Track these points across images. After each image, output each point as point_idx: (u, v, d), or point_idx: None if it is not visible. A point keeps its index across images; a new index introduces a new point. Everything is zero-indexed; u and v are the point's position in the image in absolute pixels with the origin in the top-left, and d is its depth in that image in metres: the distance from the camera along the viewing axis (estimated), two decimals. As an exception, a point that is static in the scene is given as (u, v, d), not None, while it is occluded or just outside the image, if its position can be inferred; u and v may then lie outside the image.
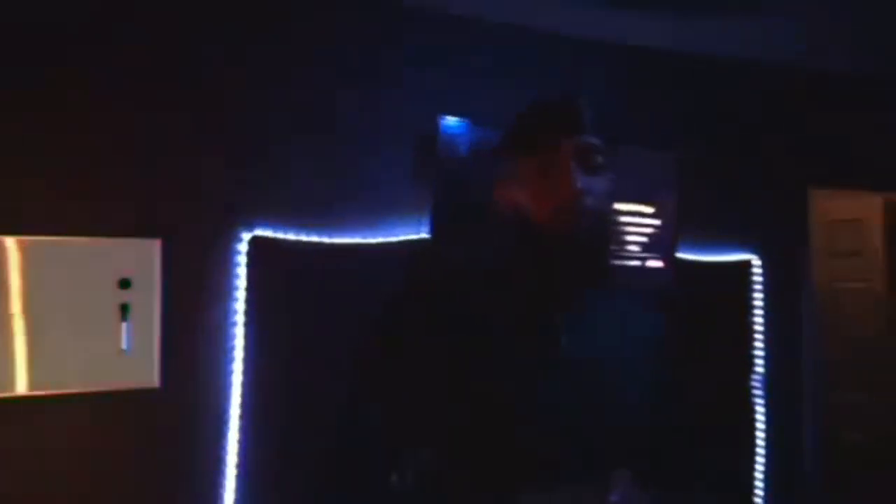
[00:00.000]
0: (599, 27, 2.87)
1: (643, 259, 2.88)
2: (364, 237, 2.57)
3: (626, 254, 2.85)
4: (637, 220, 2.86)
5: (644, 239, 2.87)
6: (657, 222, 2.89)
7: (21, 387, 2.15)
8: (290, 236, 2.48)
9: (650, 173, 2.90)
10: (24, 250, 2.17)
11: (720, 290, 3.22)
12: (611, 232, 1.16)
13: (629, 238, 2.85)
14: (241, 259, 2.43)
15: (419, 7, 2.67)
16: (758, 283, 3.31)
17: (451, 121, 2.52)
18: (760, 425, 3.27)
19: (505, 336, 1.10)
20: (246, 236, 2.43)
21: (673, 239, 2.95)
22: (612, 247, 1.18)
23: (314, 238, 2.51)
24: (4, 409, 2.13)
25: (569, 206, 1.08)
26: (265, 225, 2.46)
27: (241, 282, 2.42)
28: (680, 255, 3.02)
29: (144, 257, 2.31)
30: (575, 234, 1.09)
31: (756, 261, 3.31)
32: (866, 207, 3.91)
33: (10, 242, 2.15)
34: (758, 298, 3.31)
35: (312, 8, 2.57)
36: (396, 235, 2.61)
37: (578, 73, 2.98)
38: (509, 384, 1.07)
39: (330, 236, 2.53)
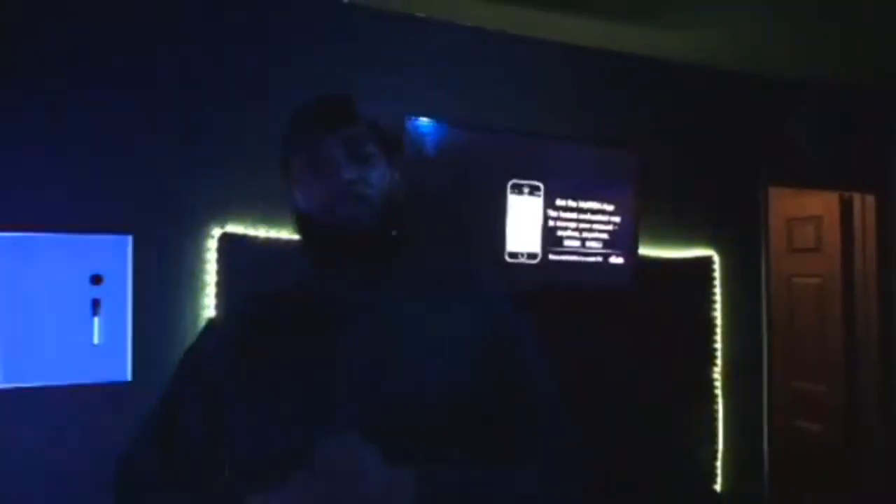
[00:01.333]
0: (561, 29, 2.96)
1: (604, 256, 2.97)
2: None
3: (588, 250, 2.94)
4: (598, 218, 2.95)
5: (605, 236, 2.96)
6: (618, 220, 2.98)
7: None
8: (260, 233, 2.54)
9: (611, 172, 2.99)
10: (4, 246, 2.21)
11: (682, 285, 3.33)
12: (401, 218, 1.13)
13: (590, 235, 2.94)
14: (211, 255, 2.48)
15: (385, 10, 2.74)
16: (717, 278, 3.42)
17: (417, 119, 2.58)
18: (720, 417, 3.38)
19: (295, 343, 1.06)
20: (216, 232, 2.49)
21: (633, 236, 3.04)
22: (403, 233, 1.15)
23: (283, 234, 2.56)
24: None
25: (339, 195, 1.05)
26: (234, 221, 2.51)
27: (211, 277, 2.48)
28: (641, 251, 3.12)
29: (116, 253, 2.36)
30: (355, 224, 1.05)
31: (716, 257, 3.42)
32: (824, 205, 4.04)
33: (-18, 239, 2.20)
34: (717, 293, 3.42)
35: (286, 10, 2.62)
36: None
37: (542, 74, 3.07)
38: (296, 392, 1.03)
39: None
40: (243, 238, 2.52)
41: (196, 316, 2.46)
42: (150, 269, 2.40)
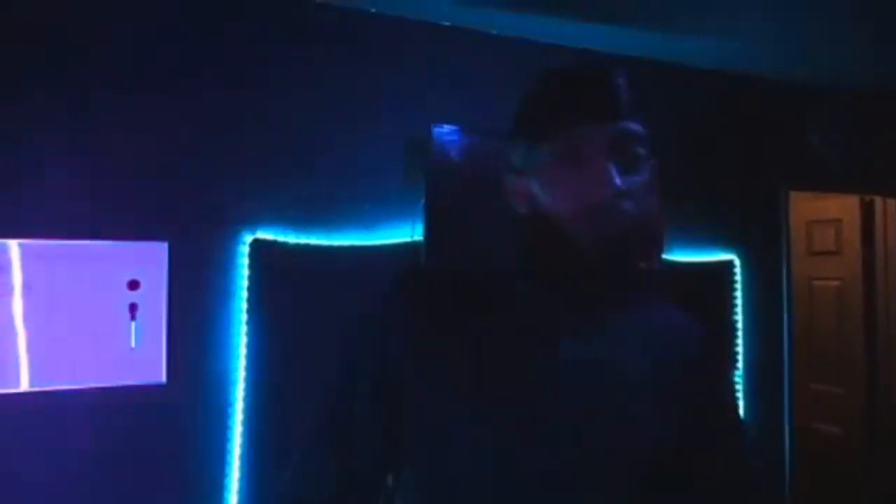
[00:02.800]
0: (583, 37, 3.00)
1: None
2: (361, 240, 2.69)
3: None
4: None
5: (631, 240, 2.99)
6: (645, 224, 3.00)
7: (36, 381, 2.26)
8: (290, 239, 2.60)
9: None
10: (42, 252, 2.28)
11: (703, 288, 3.35)
12: (655, 237, 0.93)
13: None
14: (244, 261, 2.54)
15: (414, 18, 2.78)
16: (738, 281, 3.45)
17: (442, 127, 2.63)
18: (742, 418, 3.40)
19: (500, 361, 0.89)
20: (248, 239, 2.55)
21: (660, 238, 3.07)
22: (654, 255, 0.93)
23: (313, 240, 2.62)
24: (21, 402, 2.24)
25: (603, 209, 0.85)
26: (266, 228, 2.57)
27: (244, 282, 2.54)
28: (665, 256, 3.14)
29: (152, 259, 2.43)
30: (606, 241, 0.85)
31: (737, 260, 3.45)
32: (844, 208, 4.05)
33: (30, 245, 2.26)
34: (738, 297, 3.45)
35: (309, 19, 2.68)
36: (393, 238, 2.72)
37: None
38: (503, 399, 0.88)
39: (328, 238, 2.64)
40: (274, 244, 2.57)
41: (229, 320, 2.52)
42: (184, 275, 2.46)
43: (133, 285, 2.40)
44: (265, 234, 2.57)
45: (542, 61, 3.04)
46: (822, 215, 4.16)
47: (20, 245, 2.26)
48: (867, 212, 4.00)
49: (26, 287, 2.26)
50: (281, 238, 2.59)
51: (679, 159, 3.23)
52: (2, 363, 2.23)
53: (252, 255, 2.55)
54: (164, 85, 2.47)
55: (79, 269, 2.33)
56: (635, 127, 0.89)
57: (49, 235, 2.29)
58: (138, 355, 2.40)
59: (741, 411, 0.99)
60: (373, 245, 2.69)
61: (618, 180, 0.85)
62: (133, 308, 2.40)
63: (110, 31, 2.41)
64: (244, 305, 2.54)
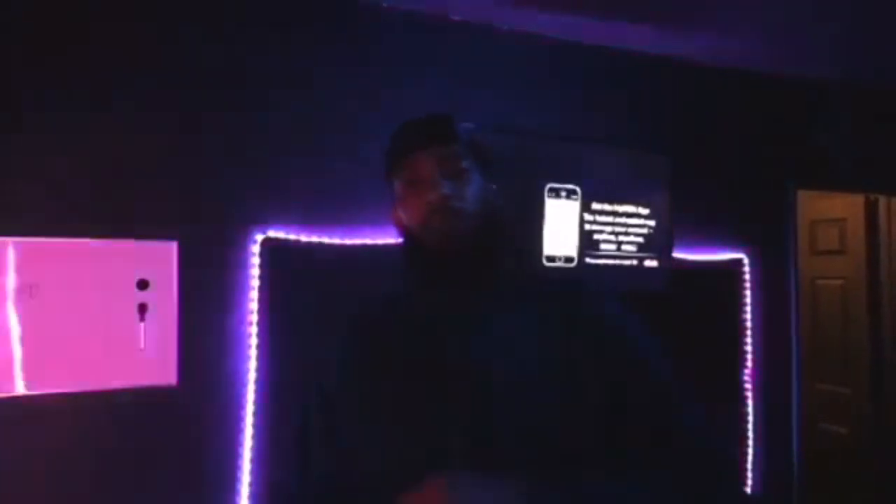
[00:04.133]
0: (597, 33, 2.97)
1: (639, 259, 2.98)
2: (373, 238, 2.64)
3: (623, 254, 2.95)
4: (633, 221, 2.97)
5: (640, 239, 2.97)
6: (653, 223, 2.99)
7: (44, 384, 2.20)
8: (302, 237, 2.55)
9: (646, 175, 3.00)
10: (48, 251, 2.22)
11: (714, 287, 3.34)
12: (500, 232, 1.16)
13: (626, 239, 2.95)
14: (255, 260, 2.49)
15: (420, 13, 2.75)
16: (747, 280, 3.43)
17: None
18: (750, 418, 3.40)
19: (412, 359, 1.08)
20: (259, 238, 2.50)
21: (668, 239, 3.06)
22: (505, 248, 1.18)
23: (325, 239, 2.58)
24: (28, 406, 2.18)
25: (435, 210, 1.08)
26: (277, 227, 2.52)
27: (255, 282, 2.49)
28: (675, 254, 3.13)
29: (162, 259, 2.37)
30: (452, 238, 1.08)
31: (746, 259, 3.43)
32: (848, 207, 4.05)
33: (35, 244, 2.20)
34: (748, 295, 3.43)
35: (327, 15, 2.63)
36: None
37: (576, 78, 3.09)
38: (421, 405, 1.04)
39: (341, 237, 2.60)
40: (285, 242, 2.53)
41: (240, 320, 2.47)
42: (195, 274, 2.41)
43: (142, 285, 2.35)
44: (277, 233, 2.52)
45: (552, 58, 3.04)
46: (827, 214, 4.17)
47: (19, 244, 2.20)
48: (871, 211, 4.00)
49: (32, 287, 2.20)
50: (293, 236, 2.55)
51: (689, 157, 3.23)
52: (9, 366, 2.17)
53: (263, 254, 2.50)
54: (174, 82, 2.42)
55: (86, 269, 2.27)
56: (455, 148, 1.14)
57: (56, 234, 2.23)
58: (148, 356, 2.35)
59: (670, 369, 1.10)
60: (385, 243, 2.65)
61: (445, 186, 1.09)
62: (142, 308, 2.34)
63: (118, 26, 2.36)
64: (255, 305, 2.49)
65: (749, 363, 3.41)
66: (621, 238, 2.94)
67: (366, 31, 2.69)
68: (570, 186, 2.83)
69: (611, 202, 2.94)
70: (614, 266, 2.94)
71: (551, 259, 2.79)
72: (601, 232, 2.90)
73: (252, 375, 2.46)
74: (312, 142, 2.60)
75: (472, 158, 1.15)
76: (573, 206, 2.84)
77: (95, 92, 2.31)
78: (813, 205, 4.13)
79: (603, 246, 2.91)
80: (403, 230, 1.16)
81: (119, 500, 2.29)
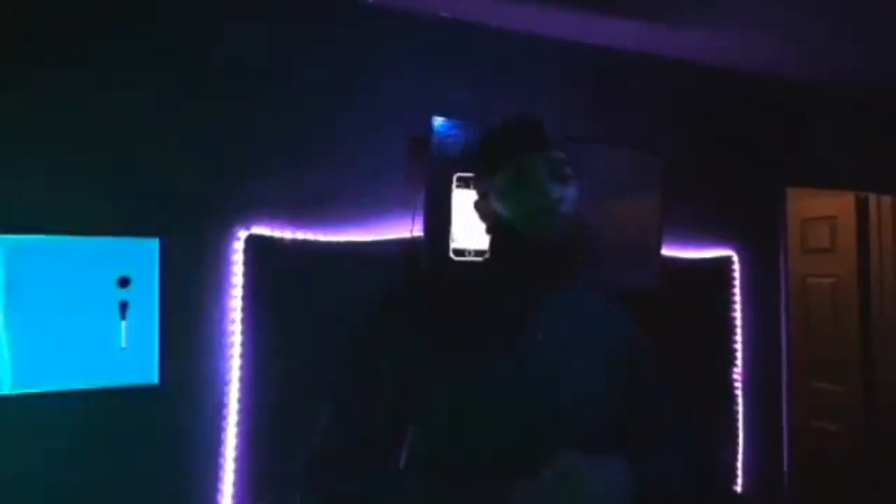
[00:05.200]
0: (585, 31, 2.95)
1: (630, 256, 2.96)
2: (359, 235, 2.62)
3: (613, 253, 2.93)
4: (623, 220, 2.94)
5: (630, 237, 2.95)
6: (643, 221, 2.97)
7: (20, 384, 2.17)
8: (286, 234, 2.52)
9: (636, 173, 2.98)
10: (26, 248, 2.18)
11: (702, 285, 3.32)
12: (585, 235, 1.28)
13: (616, 237, 2.93)
14: (238, 257, 2.46)
15: (411, 10, 2.72)
16: (737, 278, 3.42)
17: (442, 121, 2.57)
18: (740, 417, 3.38)
19: (487, 335, 1.20)
20: (242, 235, 2.47)
21: (658, 237, 3.03)
22: (587, 249, 1.29)
23: (310, 236, 2.55)
24: (5, 405, 2.15)
25: (547, 213, 1.19)
26: (261, 223, 2.50)
27: (238, 279, 2.46)
28: (665, 251, 3.11)
29: (143, 256, 2.34)
30: (554, 238, 1.19)
31: (735, 257, 3.42)
32: (838, 205, 4.04)
33: (12, 241, 2.17)
34: (737, 293, 3.42)
35: (307, 10, 2.61)
36: (390, 234, 2.66)
37: (567, 76, 3.07)
38: (490, 378, 1.17)
39: (325, 234, 2.57)
40: (270, 240, 2.50)
41: (223, 318, 2.44)
42: (177, 272, 2.38)
43: (123, 283, 2.31)
44: (261, 230, 2.49)
45: (543, 54, 3.01)
46: (817, 212, 4.16)
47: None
48: (862, 209, 3.99)
49: (9, 285, 2.16)
50: (277, 233, 2.52)
51: (679, 155, 3.21)
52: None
53: (247, 251, 2.47)
54: (154, 79, 2.39)
55: (65, 266, 2.23)
56: (562, 154, 1.25)
57: (34, 231, 2.20)
58: (129, 355, 2.31)
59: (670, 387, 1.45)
60: (371, 241, 2.63)
61: (556, 190, 1.21)
62: (123, 306, 2.31)
63: (98, 24, 2.33)
64: (239, 303, 2.46)
65: (739, 362, 3.39)
66: (612, 235, 2.90)
67: (348, 29, 2.66)
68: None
69: (602, 200, 2.91)
70: (591, 267, 2.90)
71: (460, 253, 2.64)
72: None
73: (235, 374, 2.43)
74: (297, 138, 2.57)
75: (571, 166, 1.25)
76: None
77: (74, 88, 2.28)
78: (804, 203, 4.13)
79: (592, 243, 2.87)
80: (493, 220, 1.27)
81: (99, 499, 2.26)
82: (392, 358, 1.18)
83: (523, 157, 1.22)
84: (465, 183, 2.63)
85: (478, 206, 1.31)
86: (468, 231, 2.60)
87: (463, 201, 2.60)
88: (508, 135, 1.26)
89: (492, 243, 1.28)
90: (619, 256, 2.94)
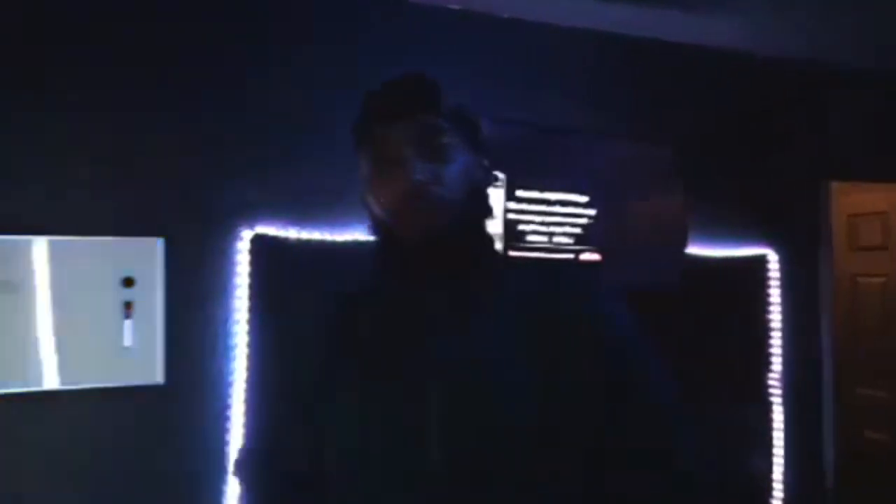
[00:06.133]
0: (609, 19, 2.83)
1: (652, 255, 2.83)
2: (364, 234, 2.57)
3: (634, 252, 2.80)
4: (643, 217, 2.82)
5: (652, 236, 2.82)
6: (665, 219, 2.83)
7: (28, 383, 2.20)
8: (291, 233, 2.50)
9: (654, 168, 2.84)
10: (32, 249, 2.21)
11: (735, 285, 3.15)
12: (484, 221, 1.02)
13: (636, 235, 2.80)
14: (242, 257, 2.44)
15: (419, 3, 2.67)
16: (774, 278, 3.23)
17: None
18: (778, 424, 3.19)
19: (375, 356, 0.97)
20: (247, 234, 2.45)
21: (682, 235, 2.89)
22: (485, 239, 1.02)
23: (315, 235, 2.52)
24: (11, 405, 2.18)
25: (408, 198, 0.91)
26: (266, 222, 2.48)
27: (243, 279, 2.44)
28: (692, 250, 2.97)
29: (147, 256, 2.35)
30: (429, 231, 0.92)
31: (773, 255, 3.23)
32: (890, 200, 3.80)
33: (18, 241, 2.20)
34: (774, 294, 3.23)
35: (312, 7, 2.58)
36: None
37: (581, 67, 2.95)
38: (385, 403, 0.93)
39: (331, 233, 2.53)
40: (275, 239, 2.48)
41: (228, 318, 2.43)
42: (181, 272, 2.38)
43: (127, 282, 2.32)
44: (265, 229, 2.47)
45: (556, 45, 2.91)
46: (867, 208, 3.91)
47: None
48: (916, 204, 3.74)
49: (14, 284, 2.20)
50: (282, 233, 2.50)
51: (707, 149, 3.05)
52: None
53: (252, 251, 2.46)
54: (157, 77, 2.39)
55: (69, 266, 2.25)
56: (433, 119, 0.95)
57: (40, 232, 2.22)
58: (133, 355, 2.32)
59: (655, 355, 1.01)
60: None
61: (420, 169, 0.91)
62: (128, 306, 2.32)
63: (102, 23, 2.35)
64: (244, 302, 2.44)
65: (775, 365, 3.20)
66: (553, 229, 2.73)
67: (354, 22, 2.62)
68: (494, 173, 2.65)
69: (623, 197, 2.79)
70: (625, 261, 2.78)
71: (553, 255, 2.66)
72: (529, 222, 2.71)
73: (239, 373, 2.42)
74: (304, 136, 2.54)
75: (456, 131, 0.97)
76: (496, 193, 2.65)
77: (80, 90, 2.30)
78: (851, 198, 3.89)
79: (530, 237, 2.71)
80: (372, 216, 1.00)
81: (104, 498, 2.27)
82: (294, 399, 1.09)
83: (380, 128, 0.95)
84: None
85: (361, 199, 1.03)
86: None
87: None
88: (369, 100, 0.99)
89: (374, 248, 1.03)
90: (641, 255, 2.81)
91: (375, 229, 1.01)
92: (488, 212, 1.02)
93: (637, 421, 0.94)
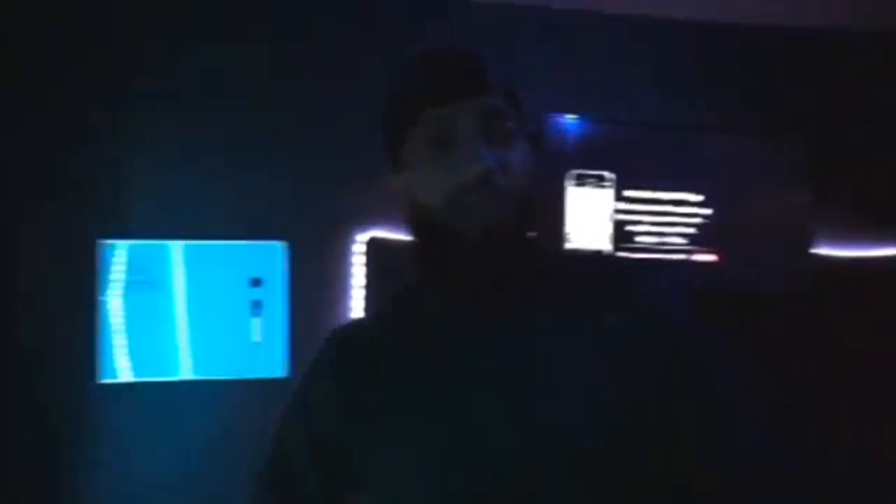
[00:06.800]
0: (711, 8, 2.74)
1: (774, 255, 2.70)
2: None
3: (754, 252, 2.69)
4: (764, 216, 2.70)
5: (774, 235, 2.69)
6: (787, 217, 2.70)
7: (167, 372, 2.42)
8: (404, 237, 2.59)
9: (776, 163, 2.72)
10: (171, 253, 2.44)
11: (871, 286, 2.95)
12: (534, 218, 0.86)
13: (755, 235, 2.69)
14: (359, 259, 2.57)
15: (517, 4, 2.69)
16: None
17: (555, 116, 2.51)
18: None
19: (420, 378, 0.86)
20: (362, 238, 2.58)
21: (808, 233, 2.75)
22: (533, 240, 0.87)
23: (427, 238, 2.60)
24: (152, 391, 2.40)
25: (473, 187, 0.79)
26: (380, 226, 2.59)
27: (359, 280, 2.56)
28: (820, 250, 2.81)
29: (273, 258, 2.52)
30: (493, 225, 0.80)
31: (912, 256, 3.00)
32: None
33: (158, 246, 2.43)
34: (915, 297, 2.99)
35: (424, 13, 2.66)
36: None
37: (686, 59, 2.85)
38: (428, 427, 0.82)
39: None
40: (389, 242, 2.58)
41: (346, 317, 2.55)
42: (304, 273, 2.54)
43: (255, 283, 2.50)
44: (380, 233, 2.59)
45: (655, 37, 2.81)
46: None
47: (140, 246, 2.43)
48: None
49: (155, 284, 2.42)
50: (397, 236, 2.60)
51: (839, 141, 2.87)
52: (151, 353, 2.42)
53: (368, 254, 2.58)
54: (280, 86, 2.56)
55: (205, 268, 2.46)
56: (498, 102, 0.83)
57: (176, 237, 2.45)
58: (261, 350, 2.49)
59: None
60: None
61: (489, 155, 0.79)
62: (256, 305, 2.50)
63: (233, 43, 2.54)
64: (360, 302, 2.56)
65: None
66: (665, 229, 2.66)
67: (447, 24, 2.67)
68: (601, 173, 2.60)
69: (745, 195, 2.69)
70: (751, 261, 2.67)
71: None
72: (638, 223, 2.65)
73: (356, 371, 2.53)
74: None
75: (516, 117, 0.85)
76: (604, 194, 2.61)
77: (204, 98, 2.50)
78: None
79: (640, 238, 2.65)
80: (415, 211, 0.87)
81: (231, 478, 2.43)
82: (309, 429, 0.94)
83: (437, 107, 0.81)
84: (582, 180, 2.56)
85: (392, 188, 0.92)
86: (584, 231, 2.54)
87: (580, 199, 2.54)
88: (415, 77, 0.84)
89: (414, 248, 0.91)
90: (761, 255, 2.69)
91: (420, 226, 0.88)
92: (535, 213, 0.87)
93: (693, 432, 0.81)
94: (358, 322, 1.03)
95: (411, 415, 0.84)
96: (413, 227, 0.89)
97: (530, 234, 0.87)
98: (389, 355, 0.89)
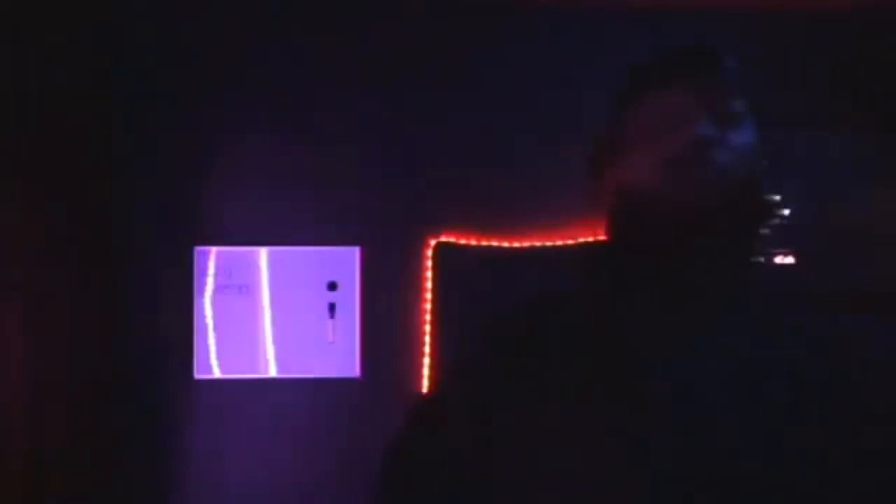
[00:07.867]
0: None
1: (866, 253, 2.50)
2: (544, 240, 2.64)
3: (841, 249, 2.50)
4: (856, 213, 2.51)
5: (866, 232, 2.50)
6: (881, 214, 2.50)
7: (254, 370, 2.61)
8: (473, 241, 2.65)
9: (864, 161, 2.52)
10: (256, 258, 2.63)
11: None
12: (763, 208, 0.84)
13: (847, 232, 2.51)
14: (428, 263, 2.65)
15: (592, 5, 2.68)
16: None
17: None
18: None
19: (595, 382, 0.75)
20: (432, 242, 2.66)
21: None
22: (764, 229, 0.84)
23: (495, 242, 2.64)
24: (240, 388, 2.59)
25: (688, 160, 0.73)
26: (449, 230, 2.66)
27: (429, 284, 2.65)
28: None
29: (348, 263, 2.66)
30: (703, 203, 0.72)
31: None
32: None
33: (244, 252, 2.64)
34: None
35: (501, 18, 2.71)
36: (577, 238, 2.63)
37: (797, 53, 2.70)
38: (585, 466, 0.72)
39: (510, 240, 2.64)
40: (458, 246, 2.65)
41: (416, 319, 2.64)
42: (376, 277, 2.65)
43: (332, 286, 2.65)
44: (449, 237, 2.66)
45: (766, 34, 2.68)
46: None
47: (229, 252, 2.64)
48: None
49: (242, 287, 2.63)
50: (465, 240, 2.66)
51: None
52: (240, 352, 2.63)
53: (436, 258, 2.65)
54: (364, 97, 2.69)
55: (286, 272, 2.64)
56: (725, 82, 0.78)
57: (260, 243, 2.64)
58: (336, 351, 2.63)
59: None
60: (556, 245, 2.63)
61: (704, 128, 0.73)
62: (332, 307, 2.64)
63: (315, 51, 2.71)
64: (430, 305, 2.64)
65: None
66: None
67: (524, 33, 2.71)
68: None
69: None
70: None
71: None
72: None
73: (426, 372, 2.61)
74: (484, 145, 2.68)
75: (743, 100, 0.79)
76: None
77: (292, 114, 2.68)
78: None
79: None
80: (622, 196, 0.80)
81: (310, 471, 2.57)
82: (469, 401, 0.82)
83: (654, 91, 0.78)
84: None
85: (598, 187, 0.85)
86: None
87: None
88: (645, 67, 0.80)
89: (608, 230, 0.82)
90: (852, 255, 2.50)
91: (622, 208, 0.80)
92: (765, 208, 0.80)
93: None
94: (555, 300, 0.88)
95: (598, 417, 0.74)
96: (620, 218, 0.81)
97: (752, 228, 0.80)
98: (557, 348, 0.80)
